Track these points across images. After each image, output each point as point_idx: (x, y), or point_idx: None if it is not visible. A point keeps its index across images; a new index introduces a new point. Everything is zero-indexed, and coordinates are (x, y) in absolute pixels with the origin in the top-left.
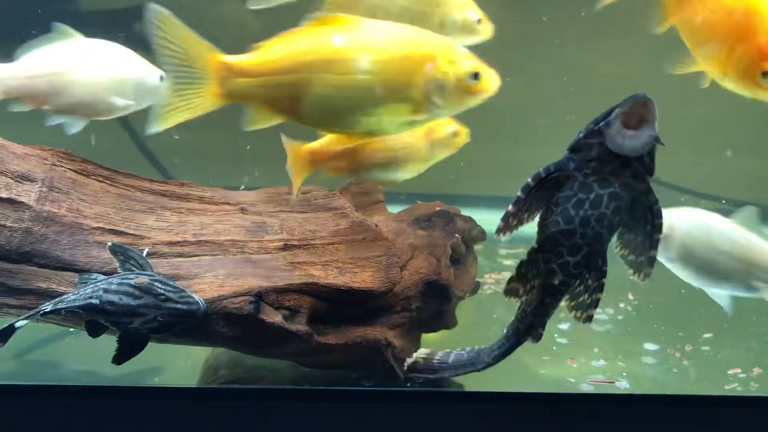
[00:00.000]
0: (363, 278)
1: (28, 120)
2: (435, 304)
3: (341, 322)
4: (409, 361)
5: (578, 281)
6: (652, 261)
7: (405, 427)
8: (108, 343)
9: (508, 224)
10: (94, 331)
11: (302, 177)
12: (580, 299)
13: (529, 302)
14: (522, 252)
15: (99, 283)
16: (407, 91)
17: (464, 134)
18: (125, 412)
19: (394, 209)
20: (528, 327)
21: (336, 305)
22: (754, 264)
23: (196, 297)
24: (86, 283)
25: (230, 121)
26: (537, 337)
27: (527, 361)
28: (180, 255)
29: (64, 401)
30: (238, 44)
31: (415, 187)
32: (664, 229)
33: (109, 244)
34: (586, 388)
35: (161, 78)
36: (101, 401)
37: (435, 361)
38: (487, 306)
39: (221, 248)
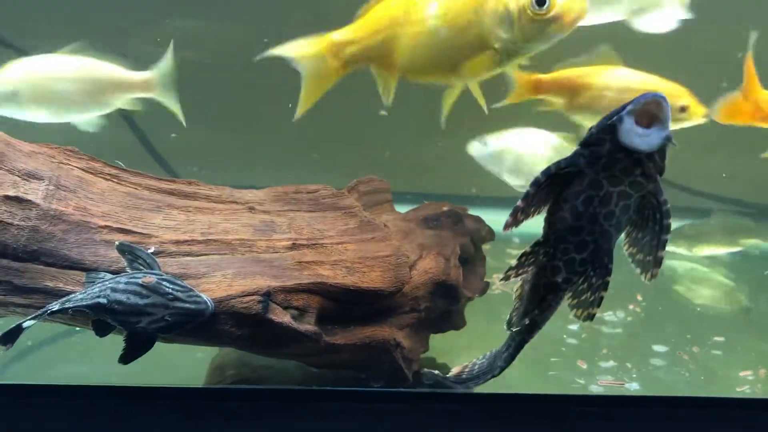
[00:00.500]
0: (372, 278)
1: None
2: (444, 305)
3: (350, 322)
4: (434, 373)
5: (582, 279)
6: (660, 261)
7: (414, 428)
8: (114, 342)
9: (516, 219)
10: (102, 330)
11: (520, 99)
12: (583, 297)
13: (530, 300)
14: None
15: (106, 283)
16: (477, 30)
17: (698, 112)
18: (131, 412)
19: (401, 209)
20: (531, 325)
21: (344, 305)
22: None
23: (204, 296)
24: (94, 282)
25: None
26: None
27: (537, 362)
28: (188, 254)
29: (70, 401)
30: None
31: (421, 186)
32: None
33: (117, 243)
34: (596, 389)
35: None
36: (107, 401)
37: (464, 376)
38: (496, 306)
39: (229, 247)
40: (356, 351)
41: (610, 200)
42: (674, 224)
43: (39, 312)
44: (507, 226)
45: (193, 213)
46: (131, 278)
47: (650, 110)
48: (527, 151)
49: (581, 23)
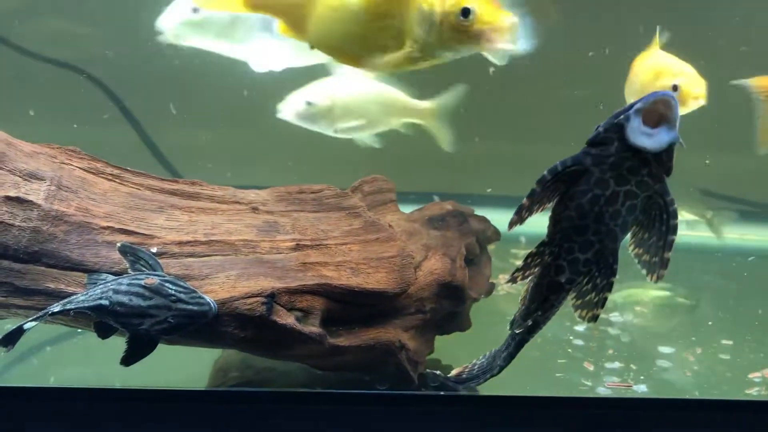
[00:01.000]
0: (377, 279)
1: (33, 118)
2: (449, 306)
3: (354, 324)
4: (436, 374)
5: (586, 279)
6: (666, 262)
7: (419, 431)
8: (116, 344)
9: (521, 217)
10: (104, 332)
11: None
12: (587, 298)
13: (533, 299)
14: None
15: (109, 284)
16: (397, 22)
17: (698, 96)
18: (133, 415)
19: (405, 209)
20: (532, 325)
21: (349, 306)
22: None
23: (208, 298)
24: (96, 283)
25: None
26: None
27: (543, 364)
28: (191, 255)
29: (71, 404)
30: None
31: (426, 186)
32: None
33: (119, 244)
34: (603, 391)
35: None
36: (108, 404)
37: (464, 376)
38: (501, 307)
39: (233, 248)
40: (361, 353)
41: (616, 200)
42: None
43: (40, 314)
44: (512, 224)
45: (195, 213)
46: (133, 280)
47: (658, 110)
48: (354, 98)
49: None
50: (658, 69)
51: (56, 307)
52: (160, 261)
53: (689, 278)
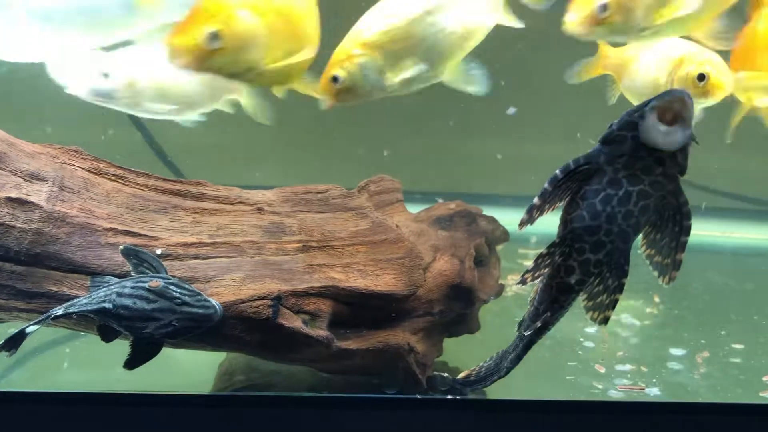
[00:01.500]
0: (385, 281)
1: (34, 118)
2: (458, 308)
3: (362, 327)
4: (445, 377)
5: (597, 280)
6: (679, 264)
7: None
8: (120, 347)
9: (531, 217)
10: (107, 335)
11: None
12: (598, 299)
13: (541, 300)
14: None
15: (112, 287)
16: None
17: (721, 89)
18: (137, 419)
19: (412, 209)
20: (542, 327)
21: (357, 309)
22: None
23: (213, 301)
24: (99, 286)
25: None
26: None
27: (553, 366)
28: (195, 257)
29: (74, 408)
30: None
31: (432, 186)
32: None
33: (122, 246)
34: (615, 394)
35: None
36: (112, 408)
37: (471, 379)
38: (510, 309)
39: (238, 250)
40: (369, 356)
41: (629, 200)
42: None
43: (43, 317)
44: (522, 223)
45: (200, 214)
46: (137, 282)
47: (674, 107)
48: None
49: None
50: (679, 57)
51: (59, 311)
52: (164, 263)
53: (701, 278)
